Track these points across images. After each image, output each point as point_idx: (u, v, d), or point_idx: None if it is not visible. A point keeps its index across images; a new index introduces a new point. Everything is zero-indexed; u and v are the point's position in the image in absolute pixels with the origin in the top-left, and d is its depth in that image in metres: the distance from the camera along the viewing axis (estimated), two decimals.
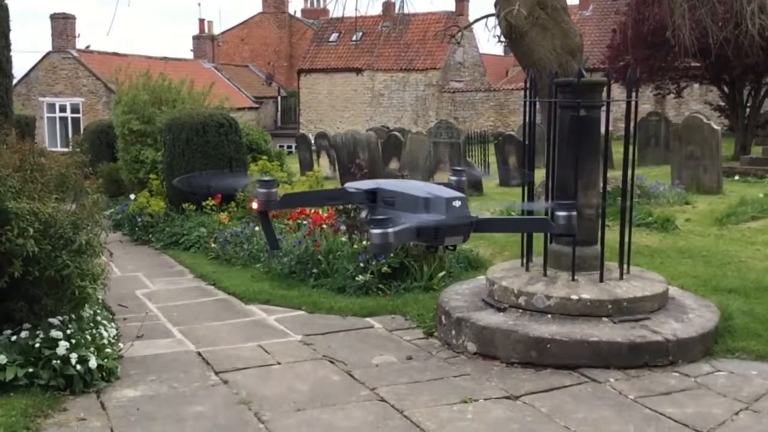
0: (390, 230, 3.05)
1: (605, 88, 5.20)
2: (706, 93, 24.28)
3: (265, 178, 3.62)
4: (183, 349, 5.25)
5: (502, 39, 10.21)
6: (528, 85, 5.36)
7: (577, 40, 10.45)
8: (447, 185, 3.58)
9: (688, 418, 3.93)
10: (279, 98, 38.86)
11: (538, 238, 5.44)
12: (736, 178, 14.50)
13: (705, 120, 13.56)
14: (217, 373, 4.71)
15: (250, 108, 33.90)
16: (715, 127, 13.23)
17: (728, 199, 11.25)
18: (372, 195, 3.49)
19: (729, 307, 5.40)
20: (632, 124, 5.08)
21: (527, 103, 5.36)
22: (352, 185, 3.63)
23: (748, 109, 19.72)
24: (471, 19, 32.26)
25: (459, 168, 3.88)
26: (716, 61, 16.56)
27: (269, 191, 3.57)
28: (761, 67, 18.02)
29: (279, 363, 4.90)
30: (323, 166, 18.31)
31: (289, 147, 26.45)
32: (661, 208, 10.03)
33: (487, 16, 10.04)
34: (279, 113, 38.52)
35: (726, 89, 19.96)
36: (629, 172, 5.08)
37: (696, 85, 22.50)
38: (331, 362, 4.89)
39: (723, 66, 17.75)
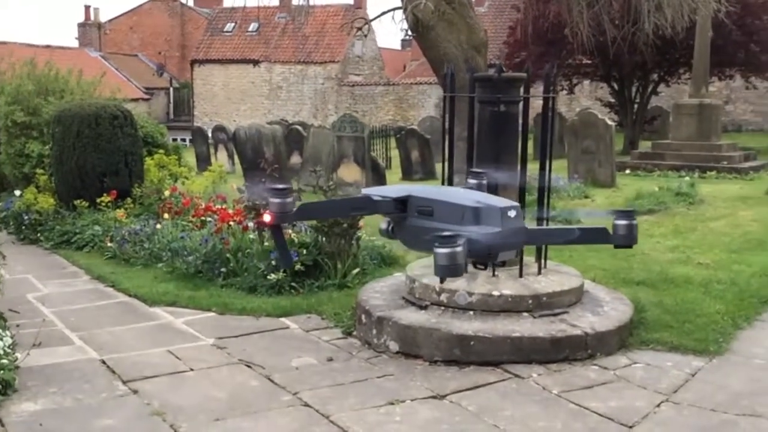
0: (459, 249, 2.65)
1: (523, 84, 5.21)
2: (596, 90, 25.21)
3: (279, 186, 3.06)
4: (85, 357, 4.89)
5: (409, 32, 10.18)
6: (447, 80, 5.30)
7: (482, 36, 10.49)
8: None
9: (613, 411, 3.96)
10: (171, 89, 37.67)
11: None
12: (627, 172, 15.09)
13: (600, 116, 14.03)
14: (125, 383, 4.39)
15: (141, 99, 32.68)
16: (610, 122, 13.70)
17: (623, 193, 11.67)
18: (402, 204, 3.07)
19: (640, 300, 5.53)
20: (550, 119, 5.11)
21: (446, 98, 5.30)
22: (375, 192, 3.14)
23: (636, 106, 20.58)
24: (369, 11, 32.29)
25: (479, 171, 3.57)
26: (607, 58, 17.18)
27: (284, 201, 3.00)
28: (649, 65, 18.83)
29: (192, 369, 4.63)
30: (221, 160, 17.84)
31: (183, 140, 25.68)
32: (563, 202, 10.28)
33: (393, 9, 9.93)
34: (171, 105, 37.34)
35: (616, 86, 20.78)
36: (548, 167, 5.10)
37: (587, 82, 23.32)
38: (248, 366, 4.67)
39: (614, 63, 18.44)
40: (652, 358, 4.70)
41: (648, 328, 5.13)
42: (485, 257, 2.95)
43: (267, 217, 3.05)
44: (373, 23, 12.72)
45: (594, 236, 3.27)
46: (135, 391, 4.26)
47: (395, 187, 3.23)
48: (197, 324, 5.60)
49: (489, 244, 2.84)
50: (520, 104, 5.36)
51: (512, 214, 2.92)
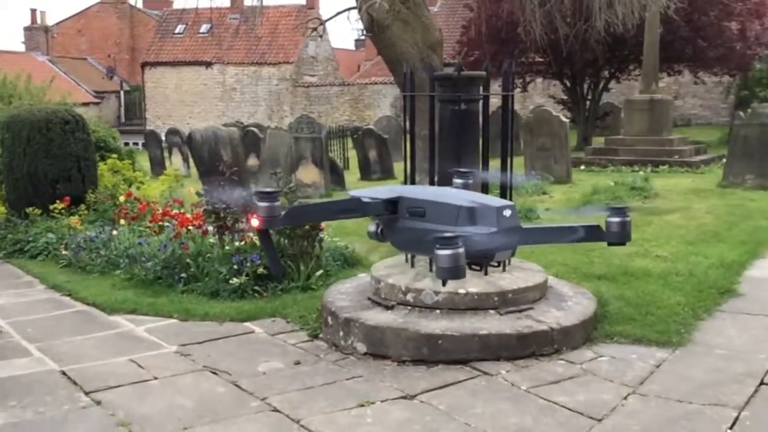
0: (462, 250, 2.57)
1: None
2: (549, 87, 25.48)
3: (266, 190, 2.98)
4: (44, 368, 4.76)
5: (365, 32, 10.18)
6: (406, 80, 5.28)
7: (437, 35, 10.59)
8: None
9: (581, 405, 3.98)
10: (122, 93, 37.03)
11: None
12: (582, 167, 15.30)
13: (554, 113, 14.19)
14: (87, 394, 4.28)
15: (92, 103, 32.07)
16: (564, 119, 13.87)
17: (579, 188, 11.82)
18: (392, 205, 2.96)
19: (603, 294, 5.59)
20: (510, 116, 5.13)
21: (406, 97, 5.28)
22: (364, 194, 3.05)
23: (588, 102, 20.88)
24: (322, 12, 32.21)
25: (465, 170, 3.52)
26: (559, 56, 17.40)
27: (272, 205, 2.97)
28: (600, 62, 19.11)
29: (156, 378, 4.54)
30: (176, 163, 17.62)
31: (135, 144, 25.27)
32: (522, 198, 10.36)
33: (348, 9, 9.94)
34: (122, 109, 36.71)
35: (568, 83, 21.05)
36: (509, 163, 5.12)
37: (540, 80, 23.57)
38: (214, 373, 4.59)
39: (566, 61, 18.68)
40: (616, 351, 4.75)
41: (611, 321, 5.18)
42: (481, 258, 2.88)
43: (255, 222, 2.95)
44: (326, 23, 12.71)
45: (591, 235, 3.20)
46: (98, 402, 4.16)
47: (385, 188, 3.18)
48: (159, 331, 5.50)
49: (487, 244, 2.79)
50: (480, 102, 5.38)
51: (507, 213, 2.89)
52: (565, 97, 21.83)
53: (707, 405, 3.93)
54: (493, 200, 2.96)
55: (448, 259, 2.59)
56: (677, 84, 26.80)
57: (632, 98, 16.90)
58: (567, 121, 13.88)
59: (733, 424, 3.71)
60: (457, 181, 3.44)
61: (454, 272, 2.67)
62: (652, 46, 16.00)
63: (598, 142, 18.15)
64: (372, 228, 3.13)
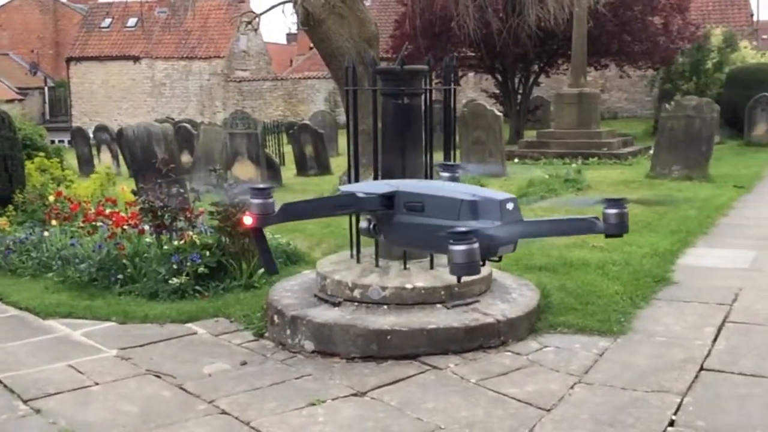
0: (476, 245, 2.46)
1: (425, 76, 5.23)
2: (481, 81, 25.77)
3: (259, 186, 2.80)
4: None
5: (299, 26, 10.10)
6: (348, 74, 5.25)
7: (373, 29, 10.60)
8: None
9: (530, 396, 4.03)
10: (46, 89, 35.82)
11: None
12: (516, 160, 15.53)
13: (488, 107, 14.36)
14: (25, 402, 4.11)
15: (16, 100, 30.92)
16: (498, 113, 14.05)
17: (515, 181, 11.98)
18: (388, 200, 2.85)
19: (545, 285, 5.67)
20: (452, 110, 5.16)
21: (348, 91, 5.25)
22: (359, 188, 2.89)
23: (519, 96, 21.20)
24: (252, 5, 31.82)
25: (451, 163, 3.42)
26: (491, 50, 17.61)
27: (266, 202, 2.77)
28: (530, 56, 19.43)
29: (97, 383, 4.39)
30: (105, 161, 17.18)
31: (62, 141, 24.53)
32: None
33: (283, 3, 9.84)
34: (47, 105, 35.52)
35: (499, 77, 21.32)
36: (452, 156, 5.16)
37: (472, 74, 23.81)
38: (158, 377, 4.47)
39: (497, 55, 18.91)
40: (560, 341, 4.83)
41: (554, 311, 5.26)
42: (485, 253, 2.78)
43: (248, 220, 2.80)
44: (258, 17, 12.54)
45: (582, 227, 3.10)
46: (38, 411, 4.00)
47: (380, 183, 3.07)
48: (97, 335, 5.33)
49: (492, 238, 2.71)
50: (422, 96, 5.38)
51: (510, 206, 2.81)
52: (497, 91, 22.12)
53: (651, 392, 4.03)
54: (495, 193, 2.87)
55: (463, 254, 2.50)
56: (603, 78, 27.50)
57: (562, 92, 17.22)
58: (501, 115, 14.07)
59: (677, 409, 3.81)
60: (444, 174, 3.36)
61: (469, 268, 2.58)
62: (580, 41, 16.33)
63: (530, 135, 18.44)
64: (364, 224, 3.03)
